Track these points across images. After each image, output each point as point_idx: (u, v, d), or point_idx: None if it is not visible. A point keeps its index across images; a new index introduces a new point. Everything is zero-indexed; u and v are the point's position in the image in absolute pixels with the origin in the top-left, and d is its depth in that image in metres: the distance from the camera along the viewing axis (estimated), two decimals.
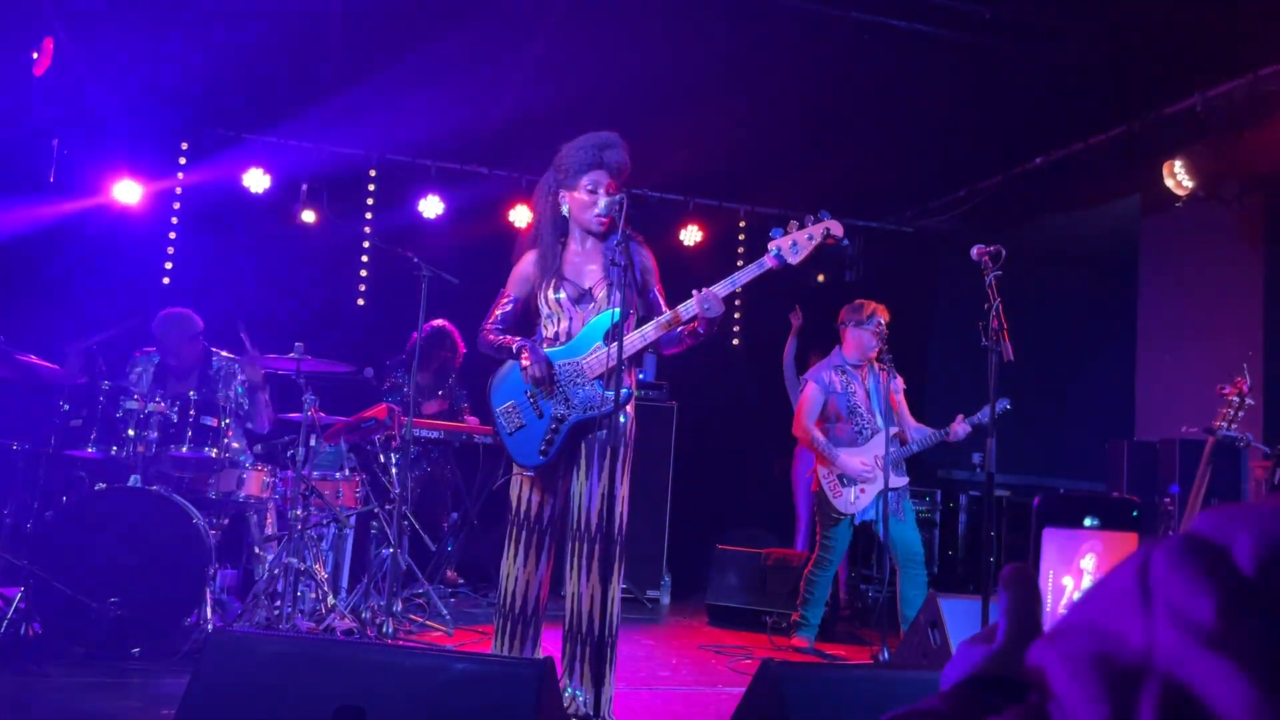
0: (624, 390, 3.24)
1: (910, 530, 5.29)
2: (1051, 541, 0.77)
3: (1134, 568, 0.47)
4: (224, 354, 5.31)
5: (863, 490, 5.25)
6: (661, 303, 3.55)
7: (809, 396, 5.49)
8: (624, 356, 3.21)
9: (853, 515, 5.29)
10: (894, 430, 5.34)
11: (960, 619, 4.08)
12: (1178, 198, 6.02)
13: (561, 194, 3.54)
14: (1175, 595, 0.44)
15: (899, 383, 5.54)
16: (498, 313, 3.59)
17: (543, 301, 3.53)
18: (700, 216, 8.08)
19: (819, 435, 5.38)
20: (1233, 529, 0.45)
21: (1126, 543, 0.76)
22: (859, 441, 5.34)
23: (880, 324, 5.34)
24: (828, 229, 3.39)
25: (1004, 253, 3.98)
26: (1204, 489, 4.03)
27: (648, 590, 6.92)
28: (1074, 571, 0.80)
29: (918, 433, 5.37)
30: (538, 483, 3.44)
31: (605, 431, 3.37)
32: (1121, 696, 0.44)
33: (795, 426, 5.55)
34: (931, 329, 8.55)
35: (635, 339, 3.35)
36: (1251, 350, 5.88)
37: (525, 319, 3.63)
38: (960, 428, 5.21)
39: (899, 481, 5.31)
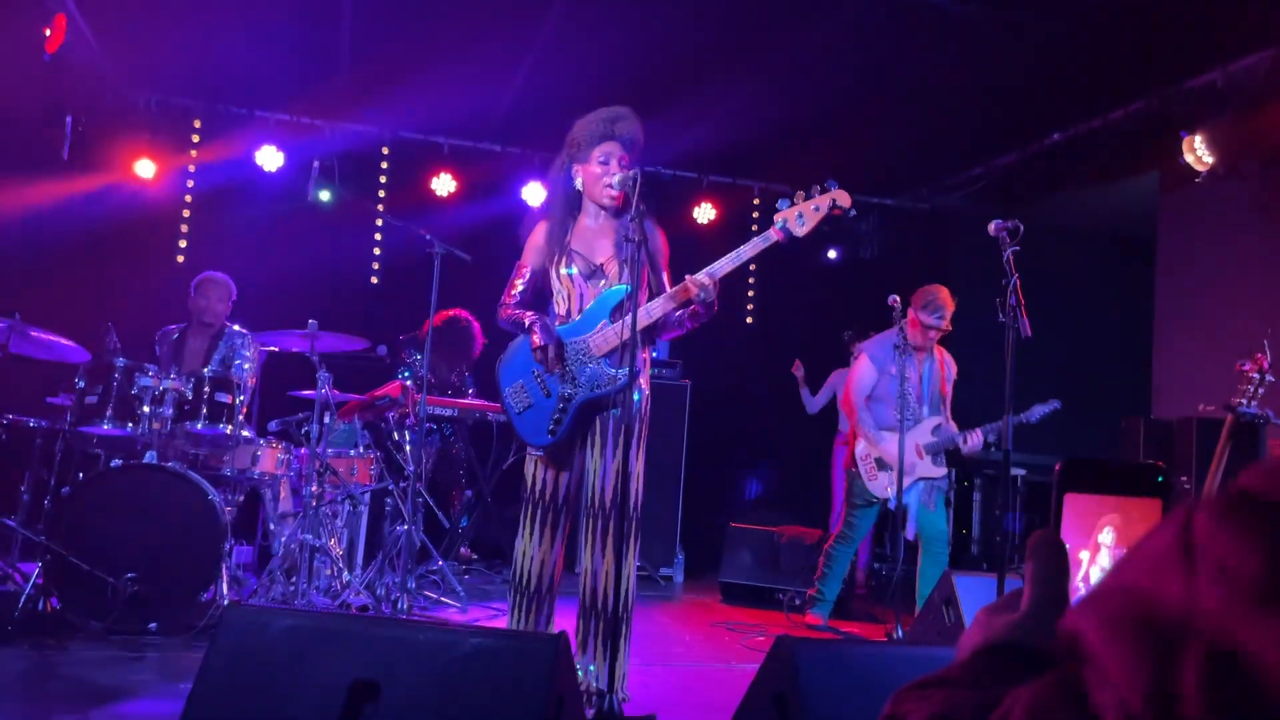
0: (629, 369, 3.21)
1: (940, 518, 5.25)
2: (1073, 508, 0.75)
3: (1175, 527, 0.46)
4: (238, 328, 5.35)
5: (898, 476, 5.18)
6: (667, 287, 3.49)
7: (862, 371, 5.39)
8: (631, 333, 3.18)
9: (885, 500, 5.24)
10: (939, 420, 5.27)
11: (975, 597, 4.07)
12: (1197, 174, 5.96)
13: (575, 168, 3.50)
14: (1221, 552, 0.43)
15: (953, 371, 5.45)
16: (517, 285, 3.56)
17: (554, 277, 3.50)
18: (713, 194, 8.04)
19: (867, 415, 5.30)
20: None
21: (1151, 509, 0.74)
22: (899, 428, 5.20)
23: (944, 316, 5.19)
24: (834, 199, 3.31)
25: (1021, 228, 3.94)
26: (1222, 467, 3.99)
27: (661, 568, 6.93)
28: (1091, 546, 0.78)
29: (945, 429, 5.31)
30: (552, 461, 3.43)
31: (620, 408, 3.35)
32: (1163, 659, 0.43)
33: (843, 400, 5.48)
34: None
35: (641, 315, 3.30)
36: (1271, 327, 5.82)
37: (542, 292, 3.60)
38: (975, 439, 5.15)
39: (938, 472, 5.23)
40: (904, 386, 5.19)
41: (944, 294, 5.25)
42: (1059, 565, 0.62)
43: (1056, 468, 0.75)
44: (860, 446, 5.32)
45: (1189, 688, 0.41)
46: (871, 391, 5.34)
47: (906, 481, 5.15)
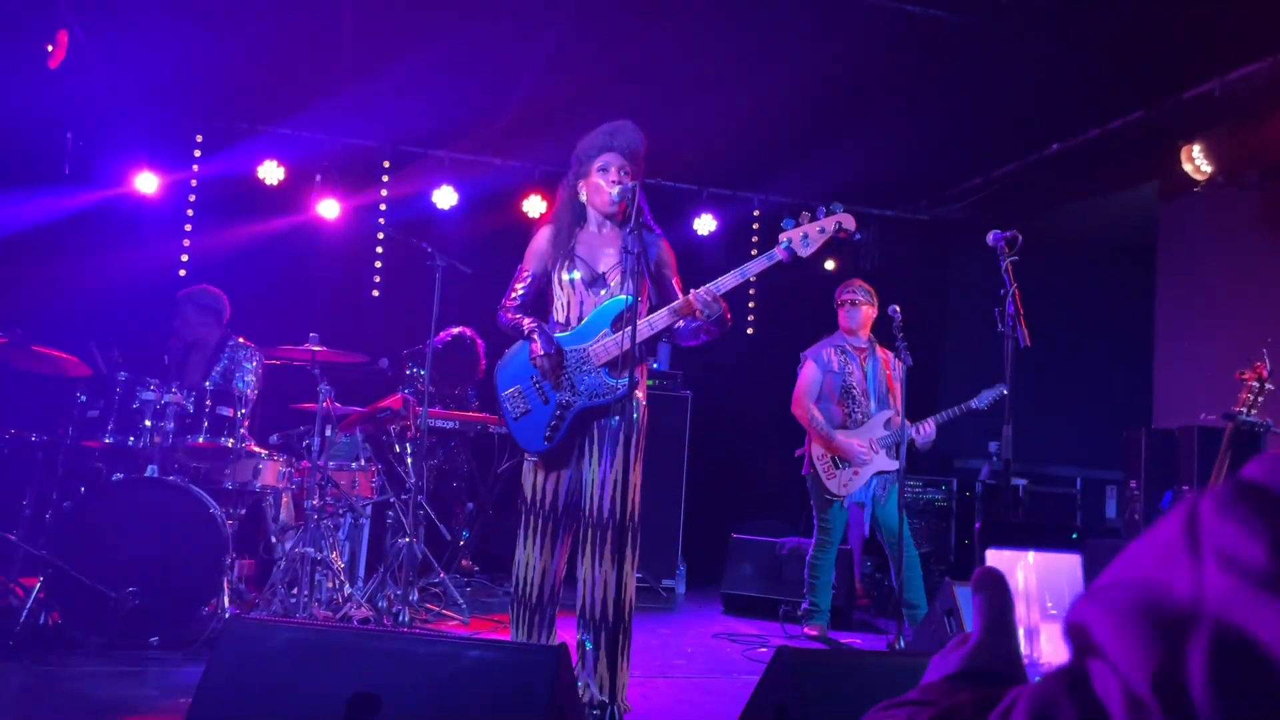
0: (628, 379, 3.23)
1: (892, 518, 5.25)
2: (995, 561, 0.78)
3: (1180, 517, 0.47)
4: (240, 340, 5.35)
5: (856, 473, 5.26)
6: (679, 293, 3.53)
7: (807, 375, 5.50)
8: (629, 345, 3.19)
9: (844, 498, 5.30)
10: (889, 414, 5.33)
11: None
12: (1196, 183, 5.97)
13: (579, 183, 3.56)
14: (1226, 540, 0.44)
15: (899, 369, 5.46)
16: (518, 290, 3.59)
17: (555, 283, 3.53)
18: (714, 205, 8.06)
19: (818, 415, 5.38)
20: None
21: (1069, 564, 0.77)
22: (850, 424, 5.34)
23: (854, 290, 5.42)
24: (839, 222, 3.36)
25: (1020, 238, 3.95)
26: (1223, 476, 3.99)
27: (663, 579, 6.92)
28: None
29: (895, 423, 5.35)
30: (549, 469, 3.44)
31: (617, 418, 3.36)
32: (1170, 646, 0.43)
33: (794, 405, 5.53)
34: (947, 317, 8.51)
35: (643, 326, 3.33)
36: (1271, 336, 5.82)
37: (543, 297, 3.63)
38: (927, 429, 5.20)
39: (892, 465, 5.29)
40: (848, 382, 5.36)
41: (855, 279, 5.58)
42: (1002, 596, 0.64)
43: (976, 525, 0.78)
44: (815, 449, 5.39)
45: (1196, 675, 0.42)
46: (820, 393, 5.42)
47: (864, 476, 5.25)
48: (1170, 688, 0.43)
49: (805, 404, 5.44)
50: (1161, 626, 0.44)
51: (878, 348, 5.48)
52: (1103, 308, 8.61)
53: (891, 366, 5.46)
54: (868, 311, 5.44)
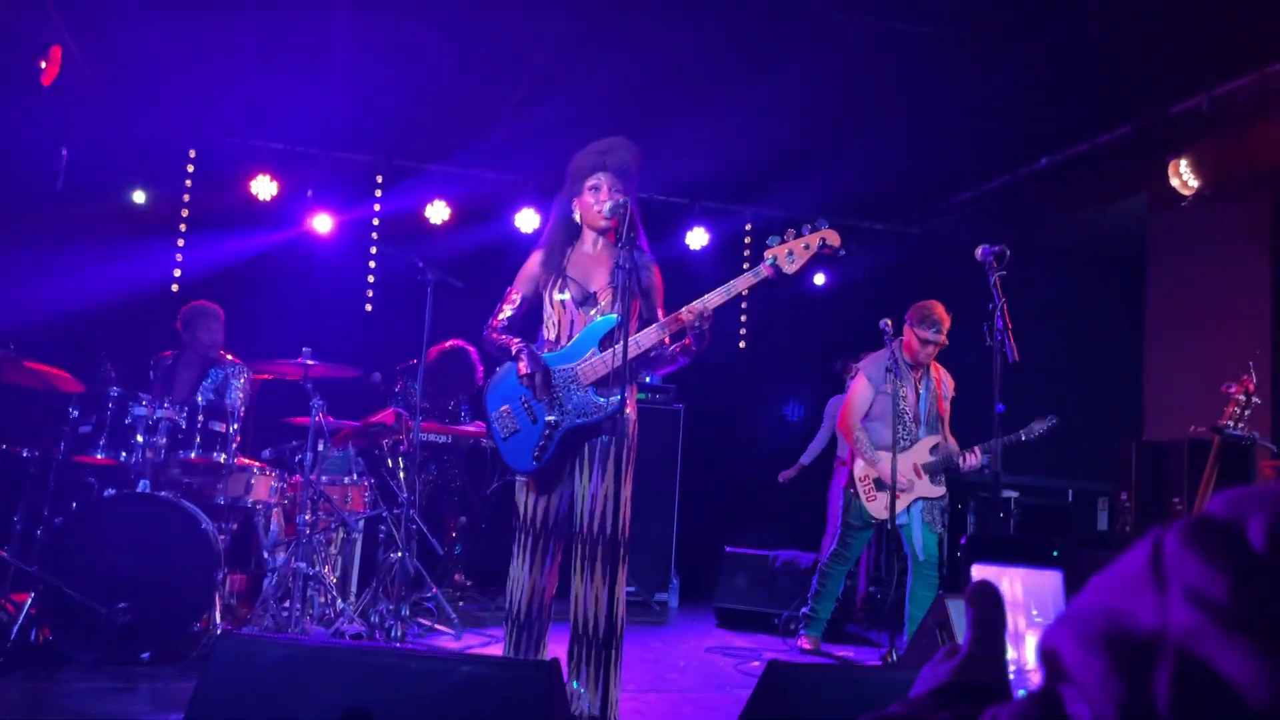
0: (617, 398, 3.23)
1: (933, 541, 5.23)
2: (981, 576, 0.80)
3: (1147, 550, 0.48)
4: (229, 357, 5.37)
5: (898, 497, 5.09)
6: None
7: (858, 391, 5.36)
8: (620, 361, 3.20)
9: (884, 521, 5.21)
10: (937, 439, 5.23)
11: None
12: (1184, 196, 6.01)
13: (573, 201, 3.57)
14: (1189, 574, 0.45)
15: (950, 389, 5.42)
16: (505, 311, 3.60)
17: (546, 303, 3.54)
18: (706, 219, 8.08)
19: (864, 435, 5.27)
20: (1245, 509, 0.46)
21: (1050, 580, 0.79)
22: (898, 448, 5.14)
23: (941, 330, 5.17)
24: (824, 238, 3.38)
25: (1008, 253, 3.98)
26: (1211, 489, 4.01)
27: (656, 593, 6.91)
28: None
29: (943, 448, 5.29)
30: (540, 488, 3.44)
31: (608, 435, 3.37)
32: (1137, 675, 0.45)
33: (839, 421, 5.47)
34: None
35: (630, 344, 3.32)
36: (1259, 348, 5.86)
37: (531, 319, 3.63)
38: (973, 459, 5.12)
39: (937, 491, 5.19)
40: (900, 406, 5.17)
41: (939, 309, 5.25)
42: (994, 611, 0.65)
43: (962, 540, 0.80)
44: (859, 467, 5.29)
45: (1162, 704, 0.43)
46: (868, 411, 5.34)
47: (906, 501, 5.13)
48: (1136, 716, 0.44)
49: (853, 422, 5.32)
50: (1128, 656, 0.45)
51: (933, 366, 5.34)
52: (1093, 320, 8.64)
53: (944, 387, 5.38)
54: (936, 350, 5.26)
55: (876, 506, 5.21)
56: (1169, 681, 0.43)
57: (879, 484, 5.20)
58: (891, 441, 5.12)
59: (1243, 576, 0.44)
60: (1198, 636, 0.43)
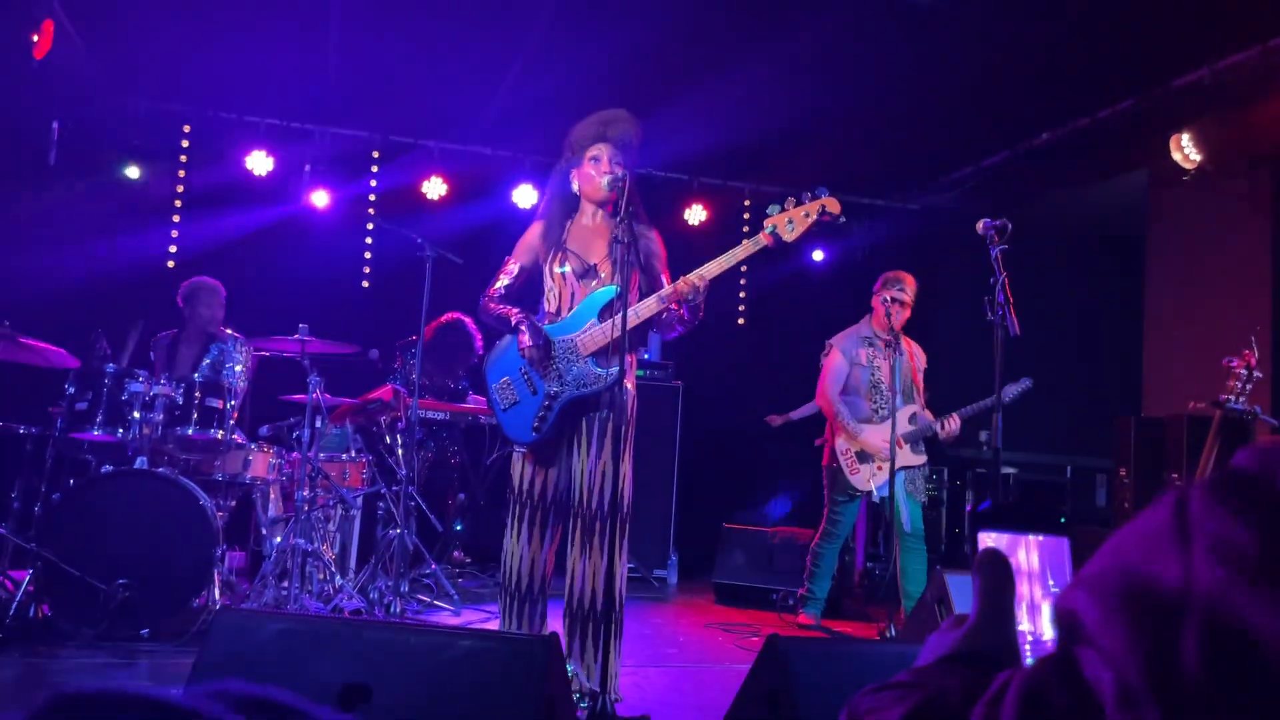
0: (616, 369, 3.22)
1: (917, 512, 5.28)
2: (988, 543, 0.79)
3: (1169, 507, 0.47)
4: (230, 332, 5.36)
5: (880, 468, 5.22)
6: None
7: (834, 365, 5.42)
8: (620, 333, 3.19)
9: (869, 492, 5.27)
10: (914, 408, 5.29)
11: (966, 595, 4.06)
12: (1186, 171, 5.98)
13: (572, 172, 3.55)
14: (1216, 529, 0.44)
15: (922, 361, 5.48)
16: (502, 280, 3.58)
17: (547, 275, 3.53)
18: (704, 195, 8.05)
19: (843, 408, 5.33)
20: (1274, 463, 0.45)
21: (1060, 547, 0.79)
22: (876, 419, 5.29)
23: (905, 289, 5.27)
24: (824, 205, 3.35)
25: (1009, 226, 3.96)
26: (1212, 463, 4.01)
27: (655, 569, 6.93)
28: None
29: (921, 417, 5.34)
30: (538, 460, 3.44)
31: (607, 409, 3.36)
32: (1160, 634, 0.43)
33: (818, 395, 5.51)
34: (938, 306, 8.51)
35: (630, 315, 3.32)
36: (1259, 323, 5.85)
37: (528, 290, 3.62)
38: (952, 424, 5.19)
39: (918, 460, 5.27)
40: (875, 377, 5.29)
41: (905, 274, 5.36)
42: (1002, 579, 0.64)
43: (966, 508, 0.79)
44: (839, 441, 5.35)
45: (1190, 662, 0.42)
46: (845, 385, 5.36)
47: (887, 470, 5.19)
48: (1162, 675, 0.43)
49: (831, 396, 5.38)
50: (1151, 615, 0.44)
51: (904, 338, 5.40)
52: (1093, 295, 8.63)
53: (916, 359, 5.43)
54: (908, 313, 5.33)
55: (860, 479, 5.27)
56: (1197, 639, 0.42)
57: (861, 456, 5.27)
58: (871, 412, 5.27)
59: (1273, 529, 0.43)
60: (1226, 591, 0.43)
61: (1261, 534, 0.43)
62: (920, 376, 5.42)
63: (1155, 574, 0.45)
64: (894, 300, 5.27)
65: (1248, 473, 0.45)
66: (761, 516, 7.42)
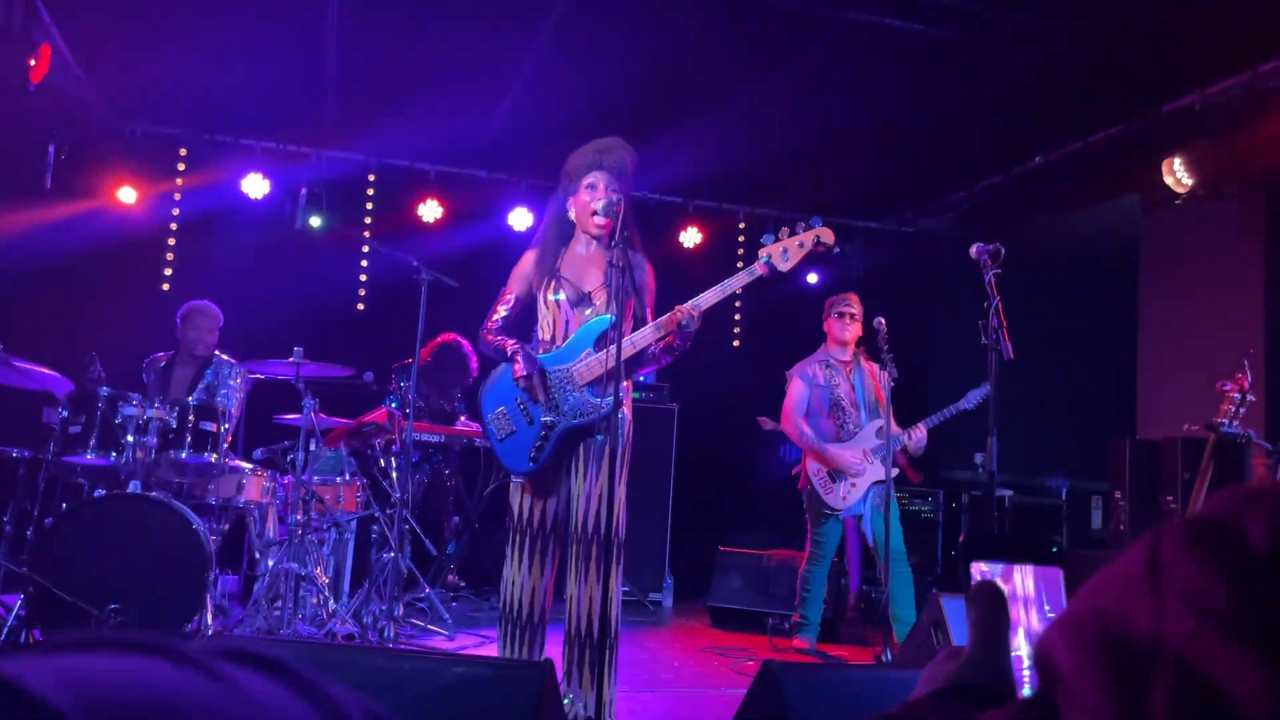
0: (612, 398, 3.21)
1: (896, 535, 5.27)
2: (981, 574, 0.80)
3: (1143, 552, 0.47)
4: (225, 357, 5.35)
5: (853, 485, 5.27)
6: (651, 321, 3.50)
7: (794, 392, 5.52)
8: (615, 361, 3.18)
9: (841, 510, 5.31)
10: (880, 424, 5.33)
11: (963, 618, 4.05)
12: (1178, 196, 6.01)
13: (568, 200, 3.56)
14: (1187, 578, 0.44)
15: (885, 379, 5.49)
16: (500, 311, 3.59)
17: (541, 303, 3.53)
18: (700, 218, 8.07)
19: (807, 430, 5.40)
20: (1245, 510, 0.44)
21: (1052, 578, 0.79)
22: (843, 437, 5.35)
23: (847, 305, 5.43)
24: (818, 236, 3.40)
25: (1003, 250, 3.97)
26: (1206, 487, 4.01)
27: (650, 593, 6.90)
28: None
29: (888, 431, 5.35)
30: (536, 489, 3.43)
31: (602, 435, 3.36)
32: (1132, 681, 0.43)
33: (783, 422, 5.56)
34: (932, 329, 8.54)
35: (625, 344, 3.31)
36: (1252, 347, 5.86)
37: (526, 319, 3.62)
38: (918, 434, 5.24)
39: (885, 474, 5.29)
40: (835, 394, 5.38)
41: (850, 294, 5.57)
42: (998, 612, 0.64)
43: (960, 539, 0.79)
44: (811, 464, 5.40)
45: (1158, 712, 0.42)
46: (808, 408, 5.43)
47: (860, 489, 5.26)
48: None
49: (794, 420, 5.46)
50: (1124, 662, 0.44)
51: (863, 359, 5.50)
52: (1087, 319, 8.65)
53: (878, 377, 5.47)
54: (858, 327, 5.47)
55: (834, 497, 5.31)
56: (1166, 689, 0.42)
57: (833, 475, 5.34)
58: (834, 432, 5.35)
59: (1242, 580, 0.42)
60: (1195, 642, 0.42)
61: (1230, 584, 0.42)
62: (885, 392, 5.43)
63: (1128, 619, 0.45)
64: (840, 315, 5.44)
65: (1217, 520, 0.45)
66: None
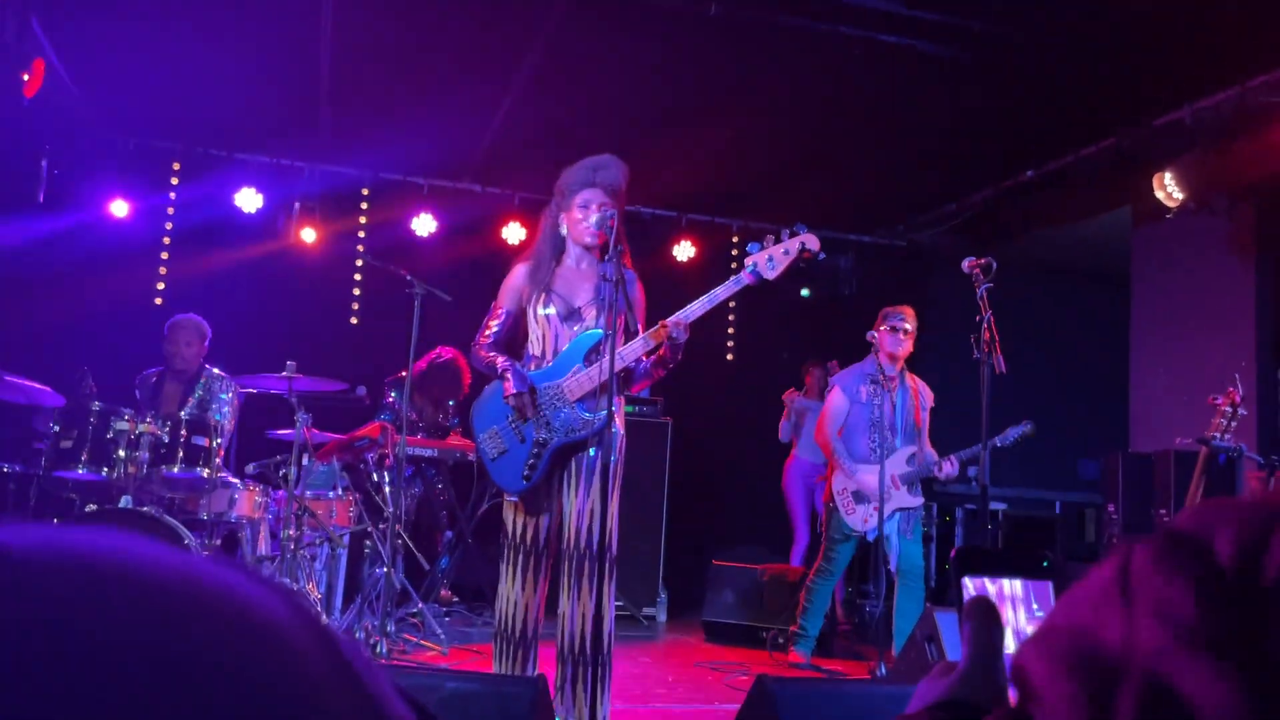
0: (604, 413, 3.21)
1: (916, 546, 5.24)
2: (973, 589, 0.81)
3: (1115, 566, 0.47)
4: (216, 371, 5.33)
5: (876, 509, 5.06)
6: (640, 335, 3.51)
7: (834, 404, 5.37)
8: (607, 375, 3.18)
9: (865, 534, 5.22)
10: (913, 450, 5.24)
11: (957, 633, 4.05)
12: (1168, 209, 6.04)
13: (561, 216, 3.57)
14: (1156, 591, 0.44)
15: (928, 399, 5.44)
16: (492, 327, 3.59)
17: (531, 318, 3.53)
18: (693, 232, 8.09)
19: (840, 447, 5.28)
20: (1214, 524, 0.45)
21: (1042, 592, 0.80)
22: (873, 459, 5.16)
23: (902, 320, 5.23)
24: (803, 243, 3.39)
25: (994, 265, 3.99)
26: (1198, 500, 4.02)
27: (644, 608, 6.88)
28: None
29: (927, 457, 5.29)
30: (530, 505, 3.43)
31: (595, 450, 3.35)
32: (1100, 695, 0.43)
33: (817, 433, 5.47)
34: (924, 342, 8.54)
35: (616, 358, 3.31)
36: (1243, 360, 5.89)
37: (517, 333, 3.62)
38: (950, 467, 5.15)
39: (914, 501, 5.20)
40: (875, 415, 5.20)
41: (904, 307, 5.34)
42: (991, 626, 0.64)
43: (952, 553, 0.80)
44: (837, 480, 5.29)
45: None
46: (845, 423, 5.35)
47: (885, 512, 5.12)
48: None
49: (829, 435, 5.32)
50: (1093, 675, 0.44)
51: (908, 376, 5.36)
52: (1078, 332, 8.68)
53: (920, 397, 5.39)
54: (910, 344, 5.29)
55: (856, 519, 5.21)
56: (1134, 703, 0.42)
57: (858, 496, 5.20)
58: (870, 451, 5.15)
59: (1209, 593, 0.43)
60: (1163, 656, 0.42)
61: (1197, 599, 0.43)
62: (925, 415, 5.37)
63: (1098, 633, 0.45)
64: (893, 329, 5.23)
65: (1185, 534, 0.45)
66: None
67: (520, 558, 3.41)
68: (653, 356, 3.40)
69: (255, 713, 0.32)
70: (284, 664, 0.34)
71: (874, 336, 5.20)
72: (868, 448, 5.22)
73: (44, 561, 0.32)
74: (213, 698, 0.32)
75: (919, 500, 5.23)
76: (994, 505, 7.37)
